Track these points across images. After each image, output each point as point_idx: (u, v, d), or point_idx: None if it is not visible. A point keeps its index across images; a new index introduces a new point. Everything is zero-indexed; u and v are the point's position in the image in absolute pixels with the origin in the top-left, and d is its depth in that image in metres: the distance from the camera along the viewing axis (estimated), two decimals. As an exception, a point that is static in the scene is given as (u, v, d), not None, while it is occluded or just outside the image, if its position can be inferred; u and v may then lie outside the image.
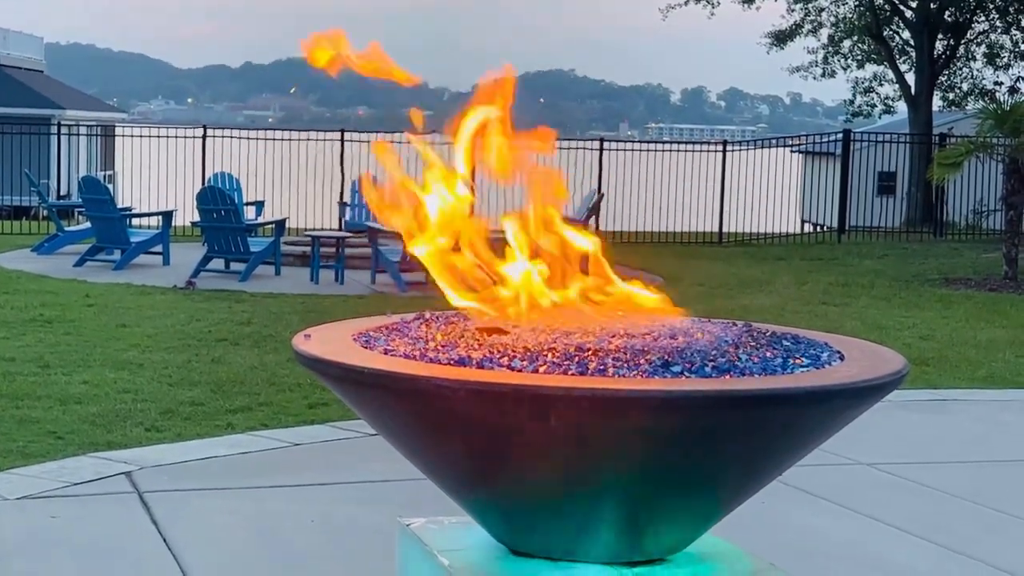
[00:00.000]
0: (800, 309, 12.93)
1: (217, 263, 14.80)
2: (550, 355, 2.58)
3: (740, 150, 23.74)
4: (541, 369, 2.53)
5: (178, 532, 5.19)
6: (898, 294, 14.73)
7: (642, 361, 2.56)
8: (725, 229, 22.24)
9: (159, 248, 15.67)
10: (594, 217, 16.88)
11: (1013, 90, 30.02)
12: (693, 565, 2.80)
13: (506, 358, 2.58)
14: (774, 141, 25.69)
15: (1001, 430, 7.88)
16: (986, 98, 28.55)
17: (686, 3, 29.37)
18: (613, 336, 2.70)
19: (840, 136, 24.04)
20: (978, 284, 15.80)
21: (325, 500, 5.80)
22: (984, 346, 10.93)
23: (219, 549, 5.08)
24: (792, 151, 28.22)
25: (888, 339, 10.35)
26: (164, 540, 5.10)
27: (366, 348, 2.76)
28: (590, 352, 2.60)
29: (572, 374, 2.51)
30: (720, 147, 23.00)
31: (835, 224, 23.44)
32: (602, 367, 2.54)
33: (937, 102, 30.18)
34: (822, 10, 30.87)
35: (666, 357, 2.59)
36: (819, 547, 5.36)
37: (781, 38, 30.83)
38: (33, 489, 5.70)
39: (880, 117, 33.15)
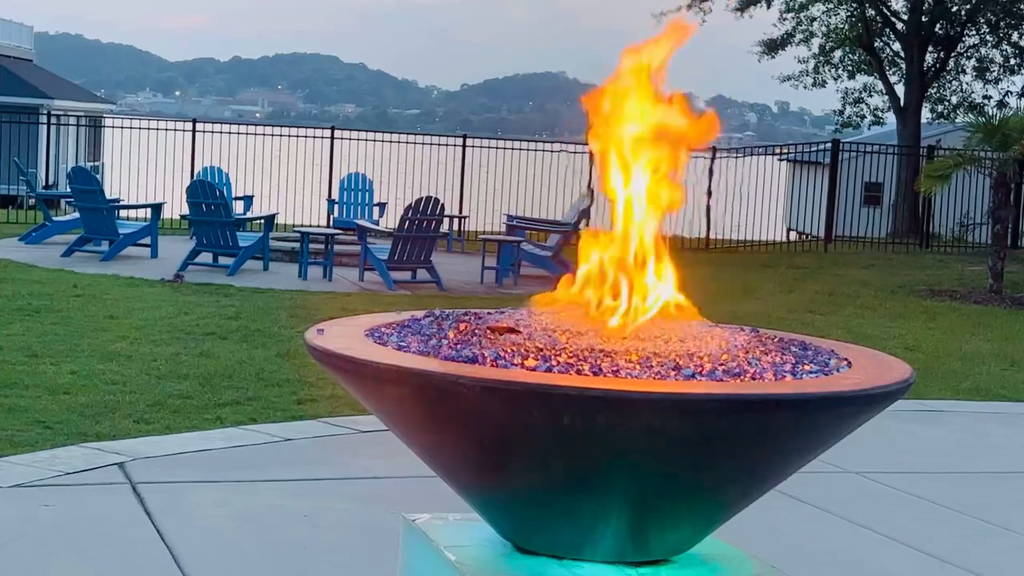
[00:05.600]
0: (786, 317, 12.97)
1: (205, 257, 14.79)
2: (563, 355, 2.60)
3: (728, 157, 23.78)
4: (555, 369, 2.55)
5: (171, 523, 5.19)
6: (884, 304, 14.79)
7: (654, 363, 2.59)
8: (712, 236, 22.29)
9: (147, 240, 15.65)
10: (585, 222, 16.90)
11: (1002, 104, 30.13)
12: (697, 566, 2.82)
13: (519, 357, 2.60)
14: (762, 149, 25.74)
15: (986, 441, 7.94)
16: (975, 112, 28.65)
17: (679, 9, 29.43)
18: (625, 338, 2.72)
19: (828, 146, 24.11)
20: (963, 296, 15.88)
21: (317, 495, 5.81)
22: (969, 358, 11.00)
23: (212, 540, 5.09)
24: (780, 159, 28.30)
25: (874, 349, 10.39)
26: (157, 530, 5.11)
27: (379, 344, 2.78)
28: (603, 353, 2.62)
29: (585, 374, 2.53)
30: (708, 154, 23.04)
31: (821, 233, 23.51)
32: (615, 368, 2.56)
33: (926, 114, 30.28)
34: (814, 20, 30.95)
35: (678, 360, 2.62)
36: (807, 554, 5.39)
37: (772, 47, 30.87)
38: (26, 478, 5.71)
39: (869, 128, 33.26)
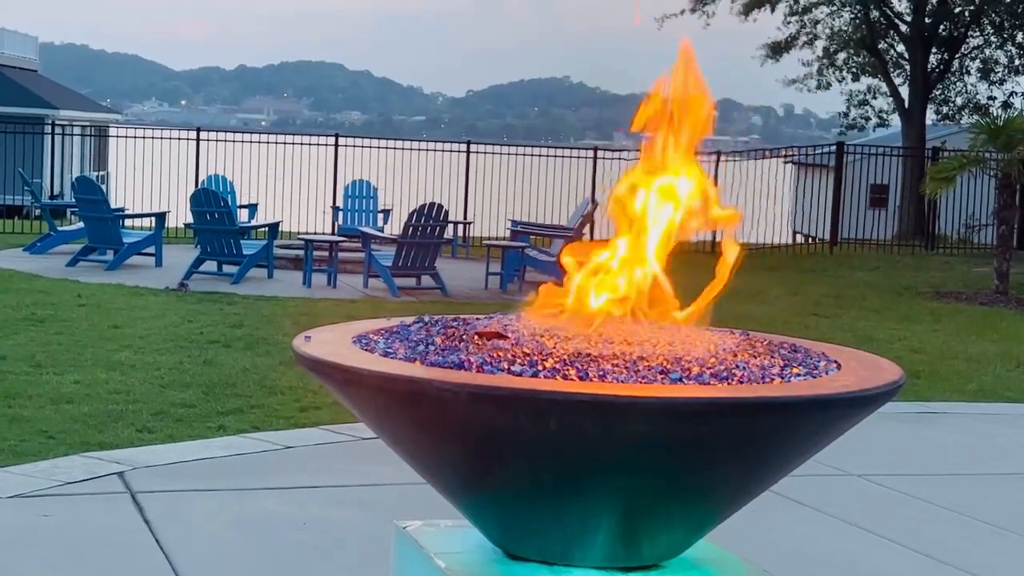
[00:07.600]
0: (791, 320, 12.96)
1: (210, 265, 14.81)
2: (550, 360, 2.60)
3: (733, 160, 23.75)
4: (541, 374, 2.55)
5: (170, 532, 5.19)
6: (889, 306, 14.77)
7: (641, 367, 2.58)
8: (718, 239, 22.25)
9: (152, 249, 15.68)
10: (588, 226, 16.89)
11: (1007, 105, 30.09)
12: (688, 571, 2.82)
13: (506, 362, 2.59)
14: (767, 152, 25.71)
15: (990, 443, 7.92)
16: (979, 113, 28.61)
17: (682, 13, 29.43)
18: (612, 342, 2.72)
19: (833, 148, 24.09)
20: (969, 298, 15.85)
21: (318, 502, 5.81)
22: (974, 359, 10.97)
23: (211, 549, 5.09)
24: (785, 162, 28.26)
25: (879, 351, 10.31)
26: (156, 540, 5.10)
27: (366, 350, 2.78)
28: (590, 357, 2.62)
29: (572, 379, 2.53)
30: (713, 157, 23.02)
31: (827, 236, 23.49)
32: (601, 373, 2.55)
33: (931, 116, 30.25)
34: (818, 22, 30.94)
35: (665, 364, 2.61)
36: (808, 556, 5.38)
37: (777, 50, 30.85)
38: (26, 488, 5.71)
39: (874, 130, 33.23)
